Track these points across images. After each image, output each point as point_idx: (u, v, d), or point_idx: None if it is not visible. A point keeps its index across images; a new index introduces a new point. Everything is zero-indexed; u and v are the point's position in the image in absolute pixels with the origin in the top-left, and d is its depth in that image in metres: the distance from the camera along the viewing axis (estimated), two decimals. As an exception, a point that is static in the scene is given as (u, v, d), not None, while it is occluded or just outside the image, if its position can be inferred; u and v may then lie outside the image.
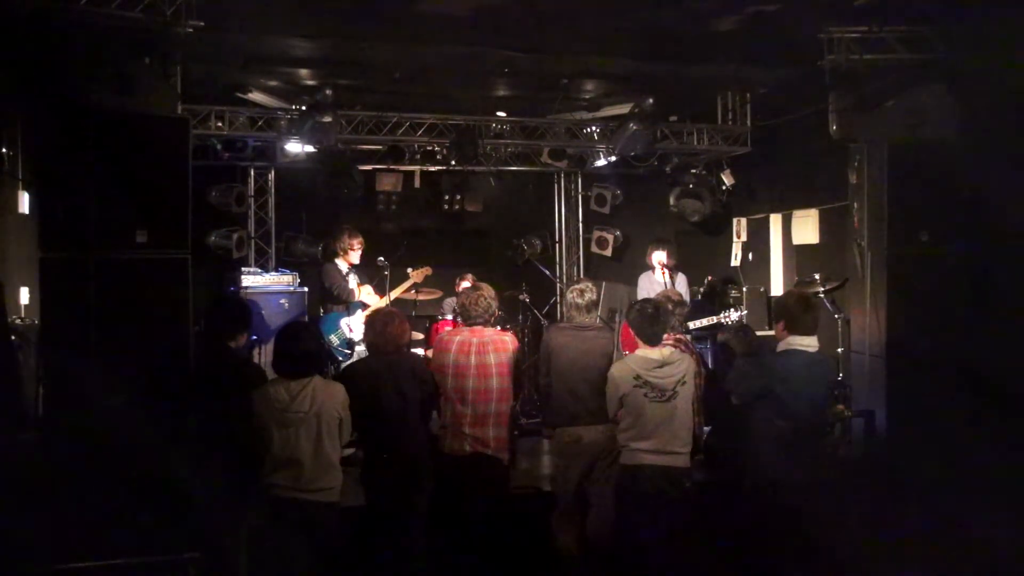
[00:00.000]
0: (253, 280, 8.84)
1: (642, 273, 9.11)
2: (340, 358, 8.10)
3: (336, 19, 6.65)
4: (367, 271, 8.66)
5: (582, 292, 5.57)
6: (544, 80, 8.44)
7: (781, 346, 5.18)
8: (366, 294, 8.41)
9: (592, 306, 5.58)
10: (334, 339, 8.16)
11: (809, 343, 5.13)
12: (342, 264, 8.45)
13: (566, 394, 5.39)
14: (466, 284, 8.47)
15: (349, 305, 8.32)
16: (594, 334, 5.53)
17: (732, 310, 7.99)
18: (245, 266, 9.38)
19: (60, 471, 4.87)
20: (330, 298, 8.43)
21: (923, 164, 6.31)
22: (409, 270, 8.71)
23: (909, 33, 6.47)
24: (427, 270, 8.79)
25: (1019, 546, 5.09)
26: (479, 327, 5.35)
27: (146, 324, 5.20)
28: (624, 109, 9.04)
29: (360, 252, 8.48)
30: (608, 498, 5.34)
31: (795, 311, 5.15)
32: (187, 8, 5.62)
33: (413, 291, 8.73)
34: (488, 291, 5.46)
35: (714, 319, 8.03)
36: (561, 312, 5.90)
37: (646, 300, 5.61)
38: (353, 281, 8.45)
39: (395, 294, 8.50)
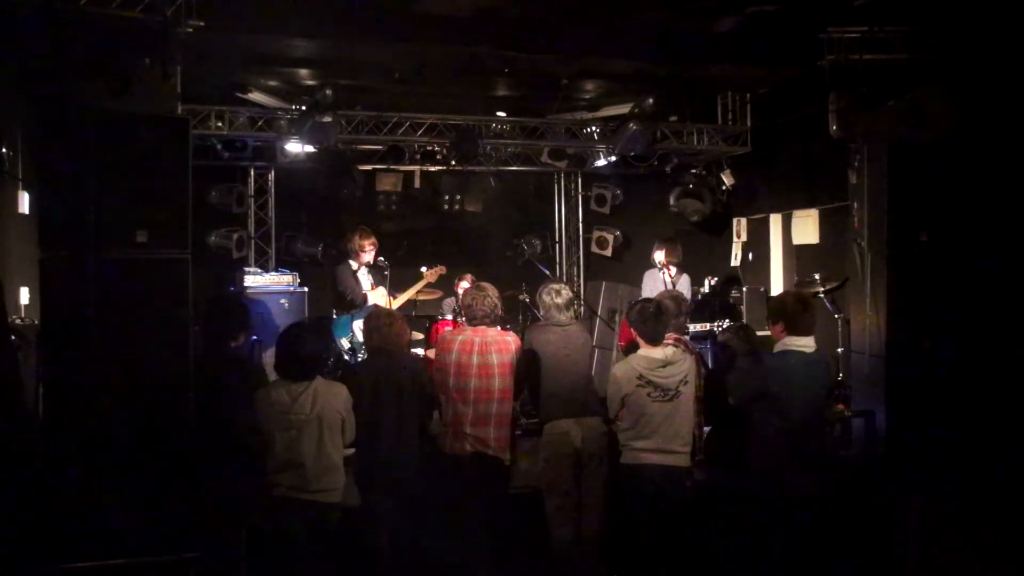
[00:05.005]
0: (253, 280, 8.82)
1: (647, 271, 9.12)
2: (351, 361, 8.04)
3: (336, 19, 6.65)
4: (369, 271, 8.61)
5: (559, 291, 5.59)
6: (544, 80, 8.44)
7: (778, 347, 5.18)
8: (379, 296, 8.30)
9: (569, 304, 5.63)
10: (344, 343, 8.05)
11: (806, 343, 5.13)
12: (354, 265, 8.37)
13: (554, 390, 5.41)
14: (465, 284, 8.47)
15: (361, 308, 8.24)
16: (574, 330, 5.57)
17: (728, 319, 8.02)
18: (246, 266, 9.37)
19: (60, 471, 4.87)
20: (342, 301, 8.35)
21: (923, 164, 6.31)
22: (423, 269, 8.64)
23: (909, 33, 6.47)
24: (441, 269, 8.70)
25: (1019, 545, 5.09)
26: (482, 327, 5.35)
27: (146, 324, 5.19)
28: (624, 109, 9.05)
29: (373, 252, 8.30)
30: (600, 496, 5.35)
31: (793, 312, 5.14)
32: (187, 8, 5.62)
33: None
34: (492, 291, 5.46)
35: (708, 326, 8.06)
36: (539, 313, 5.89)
37: (647, 299, 5.61)
38: (366, 283, 8.34)
39: (409, 294, 8.46)
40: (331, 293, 8.53)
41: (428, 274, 8.61)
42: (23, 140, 6.11)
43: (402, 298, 8.46)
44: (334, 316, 8.42)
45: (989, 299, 6.08)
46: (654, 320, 5.23)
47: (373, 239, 8.35)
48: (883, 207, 6.42)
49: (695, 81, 8.70)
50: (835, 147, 7.11)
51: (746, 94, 9.33)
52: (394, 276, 8.40)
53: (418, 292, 8.70)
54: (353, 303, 8.20)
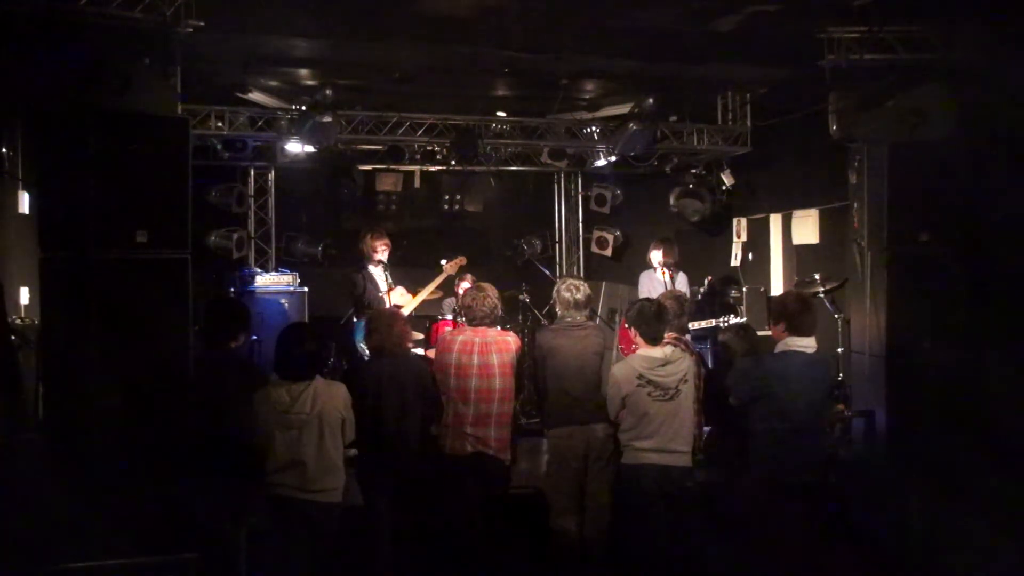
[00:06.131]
0: (260, 280, 8.81)
1: (642, 272, 9.11)
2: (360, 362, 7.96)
3: (336, 19, 6.65)
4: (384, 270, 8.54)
5: (577, 288, 5.52)
6: (544, 80, 8.44)
7: (779, 347, 5.18)
8: (399, 295, 8.22)
9: (587, 301, 5.55)
10: (363, 346, 8.02)
11: (807, 344, 5.13)
12: (368, 267, 8.29)
13: (561, 395, 5.39)
14: (466, 284, 8.46)
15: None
16: (586, 332, 5.49)
17: (732, 315, 8.00)
18: (246, 267, 9.36)
19: (60, 471, 4.87)
20: (360, 306, 8.32)
21: (923, 164, 6.31)
22: (443, 262, 8.60)
23: (909, 33, 6.47)
24: (461, 260, 8.63)
25: (1018, 545, 5.09)
26: (482, 327, 5.35)
27: (146, 324, 5.19)
28: (624, 109, 9.05)
29: (387, 252, 8.24)
30: (604, 499, 5.35)
31: (794, 312, 5.15)
32: (187, 8, 5.62)
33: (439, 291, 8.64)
34: (492, 291, 5.46)
35: (712, 322, 8.05)
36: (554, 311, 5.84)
37: (647, 299, 5.61)
38: (383, 283, 8.33)
39: (429, 289, 8.43)
40: (349, 300, 8.46)
41: (448, 267, 8.56)
42: (23, 140, 6.12)
43: (423, 294, 8.41)
44: (354, 320, 8.36)
45: (989, 299, 6.08)
46: (654, 320, 5.23)
47: (386, 240, 8.29)
48: (883, 207, 6.42)
49: (695, 81, 8.69)
50: (835, 147, 7.11)
51: (746, 94, 9.32)
52: (394, 276, 8.39)
53: (439, 284, 8.62)
54: (370, 306, 8.16)
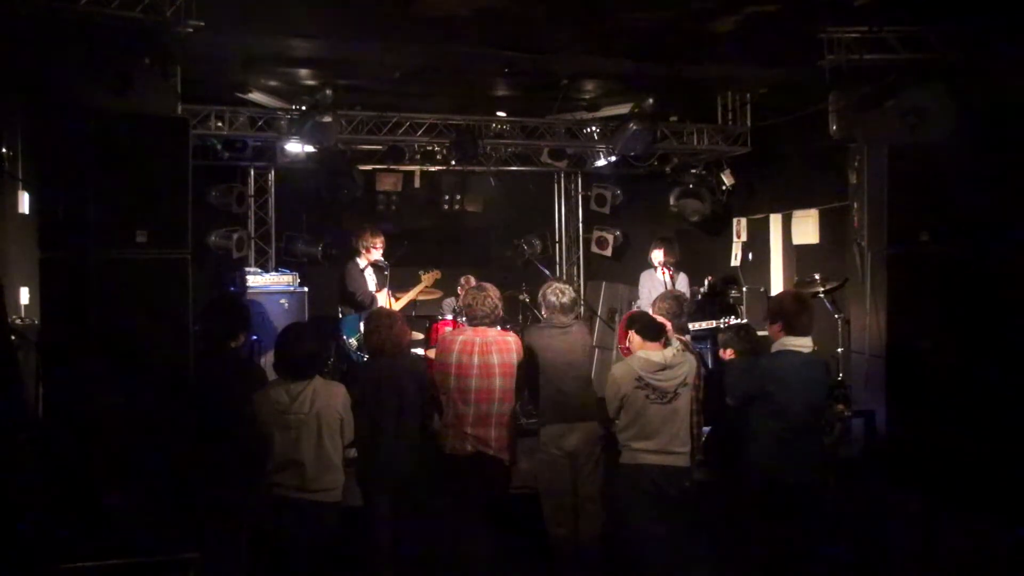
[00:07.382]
0: (253, 280, 8.83)
1: (643, 271, 9.12)
2: (358, 362, 8.01)
3: (336, 19, 6.65)
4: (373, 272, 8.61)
5: (563, 291, 5.58)
6: (544, 80, 8.44)
7: (775, 347, 5.18)
8: (382, 298, 8.27)
9: (573, 304, 5.61)
10: (353, 342, 8.05)
11: (803, 344, 5.12)
12: (362, 262, 8.37)
13: (553, 393, 5.41)
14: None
15: (369, 307, 8.20)
16: (573, 331, 5.56)
17: (732, 316, 8.00)
18: (246, 266, 9.37)
19: (60, 471, 4.87)
20: (350, 300, 8.34)
21: (923, 164, 6.32)
22: (421, 273, 8.71)
23: (909, 33, 6.47)
24: (436, 274, 8.77)
25: (1017, 546, 5.09)
26: (483, 327, 5.35)
27: (146, 324, 5.20)
28: (624, 109, 9.05)
29: (381, 251, 8.39)
30: (596, 498, 5.35)
31: (791, 312, 5.14)
32: (187, 8, 5.63)
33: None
34: (493, 291, 5.46)
35: (712, 322, 8.06)
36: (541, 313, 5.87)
37: (648, 316, 5.62)
38: (372, 283, 8.37)
39: (408, 297, 8.49)
40: (339, 292, 8.52)
41: (425, 278, 8.69)
42: (23, 140, 6.11)
43: (403, 300, 8.49)
44: (340, 315, 8.40)
45: (989, 299, 6.09)
46: (654, 330, 5.25)
47: (383, 238, 8.44)
48: (883, 207, 6.43)
49: (695, 81, 8.69)
50: (835, 147, 7.11)
51: (746, 94, 9.32)
52: (393, 276, 8.41)
53: (417, 294, 8.73)
54: (362, 303, 8.20)
